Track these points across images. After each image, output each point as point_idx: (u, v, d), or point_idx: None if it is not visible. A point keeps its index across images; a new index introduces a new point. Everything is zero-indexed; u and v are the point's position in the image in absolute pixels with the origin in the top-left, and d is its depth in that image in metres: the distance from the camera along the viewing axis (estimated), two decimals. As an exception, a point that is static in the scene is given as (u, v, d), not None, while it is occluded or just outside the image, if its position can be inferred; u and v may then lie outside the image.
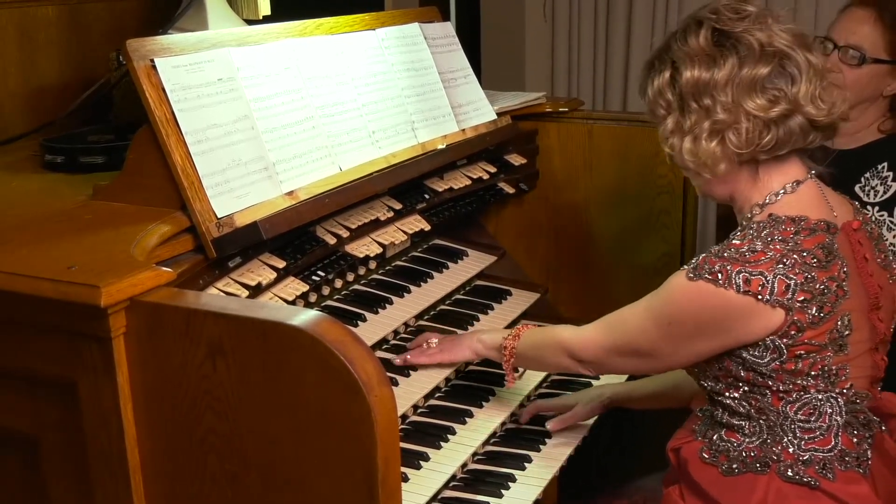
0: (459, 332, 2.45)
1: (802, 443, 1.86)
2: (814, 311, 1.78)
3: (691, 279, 1.81)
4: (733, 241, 1.84)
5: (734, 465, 1.88)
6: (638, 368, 2.07)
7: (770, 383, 1.83)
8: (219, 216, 1.82)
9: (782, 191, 1.89)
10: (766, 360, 1.81)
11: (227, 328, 1.43)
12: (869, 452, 1.90)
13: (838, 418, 1.87)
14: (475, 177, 2.63)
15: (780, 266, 1.77)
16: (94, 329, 1.46)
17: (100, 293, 1.42)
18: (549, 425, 2.31)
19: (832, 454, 1.86)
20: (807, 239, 1.82)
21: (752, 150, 1.85)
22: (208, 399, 1.47)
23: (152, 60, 1.84)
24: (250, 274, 1.90)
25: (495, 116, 2.74)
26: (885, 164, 2.46)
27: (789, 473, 1.84)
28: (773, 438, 1.86)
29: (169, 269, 1.55)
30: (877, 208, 2.42)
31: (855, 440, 1.89)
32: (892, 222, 2.41)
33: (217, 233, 1.80)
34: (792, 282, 1.76)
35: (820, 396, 1.85)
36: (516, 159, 2.81)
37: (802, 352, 1.80)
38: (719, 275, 1.78)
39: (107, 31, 2.66)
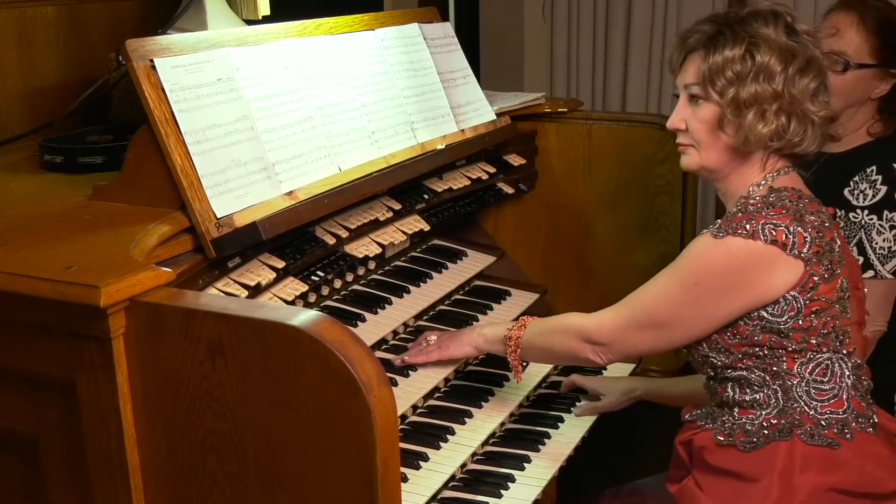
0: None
1: (818, 405, 1.92)
2: (826, 265, 1.89)
3: (718, 237, 1.88)
4: (748, 209, 1.91)
5: (755, 439, 1.93)
6: (655, 344, 2.05)
7: (785, 343, 1.90)
8: (218, 216, 1.82)
9: (776, 173, 1.99)
10: (784, 318, 1.88)
11: (227, 328, 1.43)
12: (875, 418, 1.96)
13: (847, 380, 1.94)
14: (474, 177, 2.64)
15: (797, 221, 1.88)
16: (94, 329, 1.46)
17: (99, 293, 1.42)
18: (577, 411, 2.38)
19: (847, 415, 1.92)
20: (809, 205, 1.94)
21: (787, 139, 1.93)
22: (208, 399, 1.47)
23: (152, 60, 1.84)
24: (250, 274, 1.90)
25: (494, 117, 2.74)
26: (874, 167, 2.45)
27: (812, 437, 1.90)
28: (789, 404, 1.92)
29: (168, 270, 1.55)
30: (866, 212, 2.43)
31: (863, 404, 1.96)
32: (881, 226, 2.41)
33: (216, 233, 1.80)
34: (808, 235, 1.87)
35: (831, 356, 1.92)
36: (515, 160, 2.81)
37: (817, 308, 1.88)
38: (746, 226, 1.86)
39: (106, 32, 2.66)
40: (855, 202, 2.45)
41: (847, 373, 1.94)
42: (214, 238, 1.80)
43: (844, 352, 1.94)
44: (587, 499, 2.37)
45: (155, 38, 1.91)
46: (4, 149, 2.37)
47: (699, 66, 1.98)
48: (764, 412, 1.93)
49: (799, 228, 1.87)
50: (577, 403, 2.42)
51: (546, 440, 2.29)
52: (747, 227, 1.87)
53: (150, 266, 1.54)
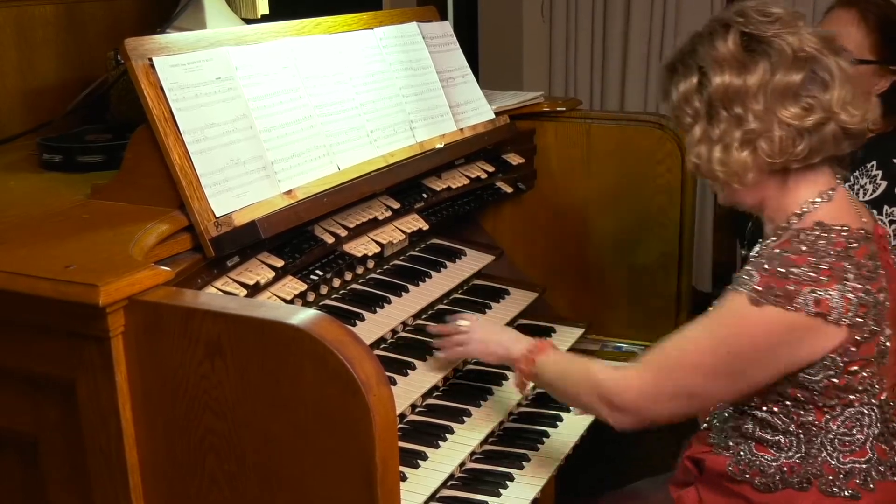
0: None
1: (841, 455, 1.84)
2: (871, 325, 1.75)
3: (757, 304, 1.73)
4: (788, 255, 1.75)
5: (771, 483, 1.86)
6: (682, 412, 1.90)
7: (817, 398, 1.81)
8: (217, 215, 1.82)
9: (819, 199, 1.83)
10: (819, 378, 1.78)
11: (226, 327, 1.43)
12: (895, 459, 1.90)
13: (874, 429, 1.86)
14: (473, 176, 2.63)
15: (844, 282, 1.73)
16: (93, 328, 1.46)
17: (98, 292, 1.42)
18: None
19: (869, 466, 1.86)
20: (858, 250, 1.78)
21: (784, 158, 1.78)
22: (207, 399, 1.47)
23: (150, 59, 1.84)
24: (248, 273, 1.90)
25: (493, 116, 2.74)
26: (874, 162, 2.46)
27: (833, 489, 1.83)
28: (811, 453, 1.84)
29: (167, 269, 1.55)
30: (866, 206, 2.43)
31: (886, 448, 1.89)
32: (881, 220, 2.42)
33: (215, 232, 1.80)
34: (854, 297, 1.73)
35: (863, 410, 1.84)
36: (514, 159, 2.81)
37: (856, 367, 1.78)
38: (790, 296, 1.71)
39: (104, 31, 2.66)
40: (855, 197, 2.46)
41: (875, 421, 1.86)
42: (213, 237, 1.80)
43: (875, 402, 1.85)
44: (586, 499, 2.37)
45: (154, 36, 1.91)
46: (3, 148, 2.37)
47: (669, 107, 1.90)
48: (783, 456, 1.86)
49: (846, 292, 1.72)
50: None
51: (545, 439, 2.29)
52: (791, 296, 1.71)
53: (148, 265, 1.54)
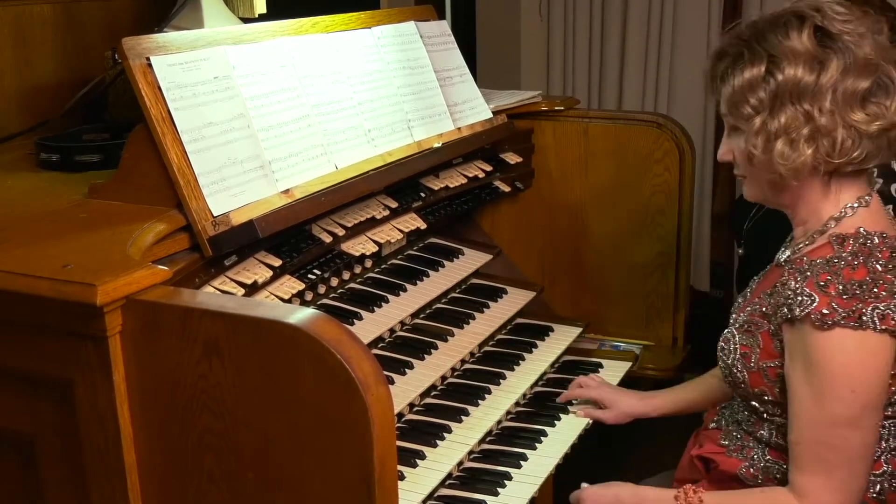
0: (455, 330, 2.45)
1: None
2: None
3: (826, 328, 1.71)
4: (838, 266, 1.74)
5: None
6: (870, 466, 1.81)
7: None
8: (215, 215, 1.81)
9: (856, 204, 1.82)
10: None
11: (224, 327, 1.43)
12: None
13: (891, 442, 1.87)
14: (471, 175, 2.63)
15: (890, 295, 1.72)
16: (90, 328, 1.46)
17: (95, 292, 1.41)
18: (574, 409, 2.36)
19: (883, 478, 1.86)
20: None
21: (843, 160, 1.76)
22: (205, 398, 1.46)
23: (148, 59, 1.84)
24: (246, 272, 1.90)
25: (491, 115, 2.73)
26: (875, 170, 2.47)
27: None
28: None
29: (165, 268, 1.55)
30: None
31: None
32: None
33: (213, 231, 1.80)
34: None
35: (885, 423, 1.83)
36: (512, 158, 2.81)
37: (889, 380, 1.77)
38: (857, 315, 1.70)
39: (102, 30, 2.66)
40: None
41: (893, 433, 1.86)
42: (211, 236, 1.80)
43: (895, 417, 1.84)
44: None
45: (151, 36, 1.90)
46: (0, 147, 2.37)
47: (726, 93, 1.83)
48: None
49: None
50: (575, 402, 2.41)
51: (543, 438, 2.29)
52: (859, 314, 1.70)
53: (146, 264, 1.53)
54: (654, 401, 2.35)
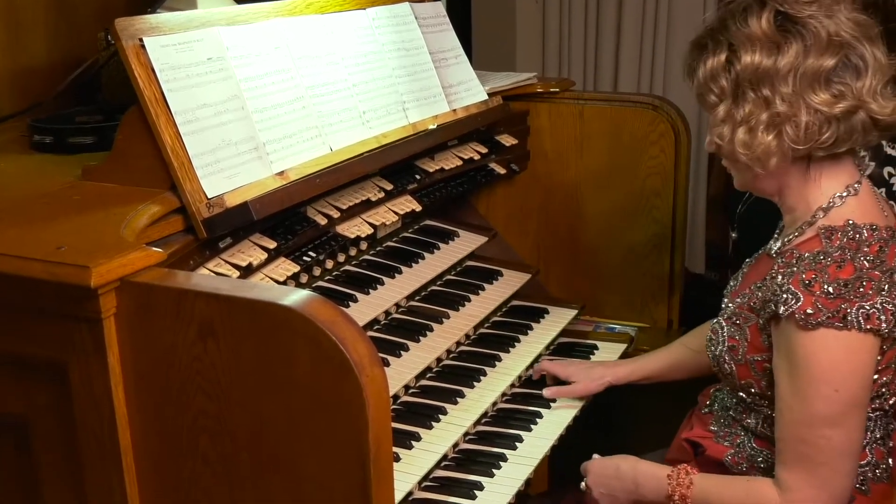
0: (451, 312, 2.45)
1: None
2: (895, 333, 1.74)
3: (810, 328, 1.69)
4: (824, 263, 1.72)
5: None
6: (856, 462, 1.81)
7: None
8: (209, 196, 1.81)
9: (845, 193, 1.80)
10: None
11: (218, 309, 1.42)
12: (890, 461, 1.91)
13: (876, 433, 1.87)
14: (466, 157, 2.63)
15: (883, 293, 1.71)
16: (85, 310, 1.45)
17: (89, 273, 1.41)
18: (547, 392, 2.35)
19: (867, 468, 1.86)
20: (890, 253, 1.75)
21: (809, 146, 1.74)
22: (199, 380, 1.46)
23: (141, 40, 1.83)
24: (241, 254, 1.90)
25: (486, 97, 2.73)
26: (867, 154, 2.46)
27: None
28: None
29: (159, 250, 1.54)
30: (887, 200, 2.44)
31: (884, 451, 1.89)
32: None
33: (207, 213, 1.79)
34: (891, 306, 1.71)
35: (871, 415, 1.83)
36: (507, 140, 2.81)
37: (875, 376, 1.76)
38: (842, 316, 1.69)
39: (95, 11, 2.64)
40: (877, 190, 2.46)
41: (878, 426, 1.87)
42: (205, 218, 1.79)
43: (886, 406, 1.84)
44: (578, 479, 2.38)
45: (144, 16, 1.89)
46: (-7, 129, 2.36)
47: (695, 84, 1.84)
48: None
49: (885, 303, 1.70)
50: (548, 384, 2.42)
51: (538, 420, 2.29)
52: (844, 315, 1.68)
53: (140, 246, 1.53)
54: (618, 369, 2.39)
